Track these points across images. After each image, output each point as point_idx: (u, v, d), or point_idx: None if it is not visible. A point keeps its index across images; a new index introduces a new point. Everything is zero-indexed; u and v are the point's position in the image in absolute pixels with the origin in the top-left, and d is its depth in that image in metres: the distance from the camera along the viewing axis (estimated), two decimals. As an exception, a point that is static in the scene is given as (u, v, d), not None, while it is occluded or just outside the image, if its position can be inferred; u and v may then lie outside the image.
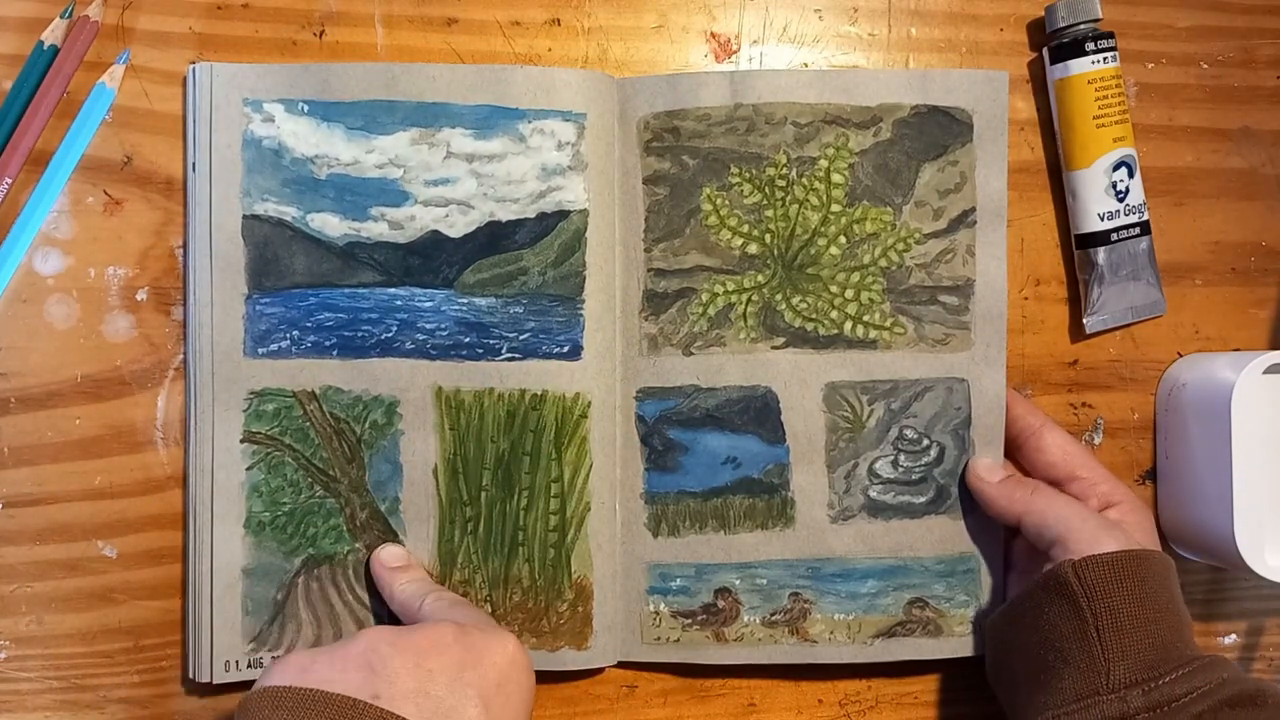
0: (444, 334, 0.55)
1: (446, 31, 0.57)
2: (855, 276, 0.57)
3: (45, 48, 0.53)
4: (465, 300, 0.55)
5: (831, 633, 0.58)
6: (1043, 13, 0.60)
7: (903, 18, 0.60)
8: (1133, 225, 0.59)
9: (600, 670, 0.58)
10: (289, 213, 0.54)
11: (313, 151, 0.54)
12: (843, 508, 0.58)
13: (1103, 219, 0.59)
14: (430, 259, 0.55)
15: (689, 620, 0.58)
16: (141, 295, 0.55)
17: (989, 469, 0.57)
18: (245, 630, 0.54)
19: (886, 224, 0.57)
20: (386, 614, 0.55)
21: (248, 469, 0.54)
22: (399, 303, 0.55)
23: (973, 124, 0.57)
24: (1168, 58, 0.62)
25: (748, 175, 0.57)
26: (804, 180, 0.57)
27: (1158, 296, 0.61)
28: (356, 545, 0.55)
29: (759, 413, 0.58)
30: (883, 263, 0.57)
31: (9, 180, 0.53)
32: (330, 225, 0.55)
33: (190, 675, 0.54)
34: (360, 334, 0.55)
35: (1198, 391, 0.59)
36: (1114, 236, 0.59)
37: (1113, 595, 0.50)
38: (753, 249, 0.57)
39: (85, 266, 0.55)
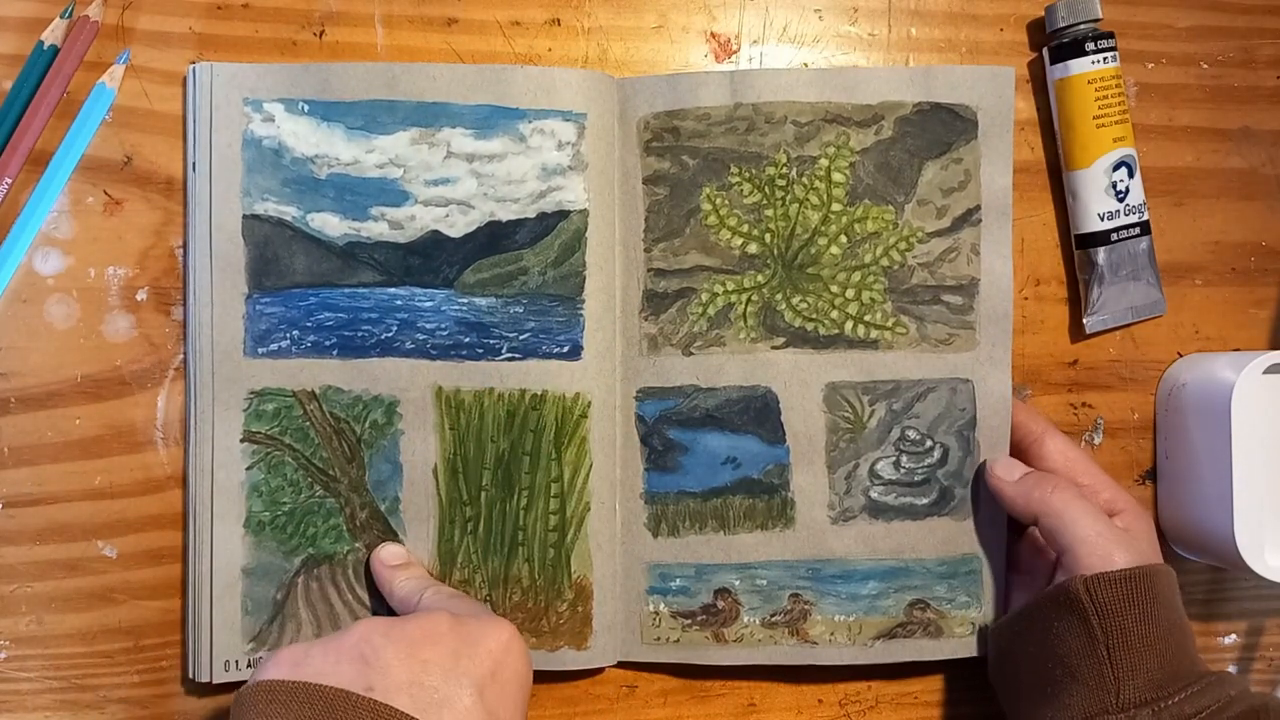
0: (444, 334, 0.55)
1: (446, 31, 0.57)
2: (856, 276, 0.57)
3: (45, 48, 0.53)
4: (465, 300, 0.55)
5: (832, 634, 0.58)
6: (1043, 13, 0.60)
7: (903, 18, 0.60)
8: (1133, 225, 0.59)
9: (600, 670, 0.58)
10: (289, 212, 0.54)
11: (313, 151, 0.54)
12: (843, 509, 0.58)
13: (1103, 219, 0.59)
14: (430, 259, 0.55)
15: (689, 620, 0.58)
16: (141, 295, 0.55)
17: (1007, 468, 0.57)
18: (245, 630, 0.54)
19: (888, 223, 0.57)
20: (386, 613, 0.55)
21: (248, 468, 0.54)
22: (399, 302, 0.55)
23: (977, 121, 0.57)
24: (1168, 58, 0.62)
25: (748, 175, 0.57)
26: (804, 179, 0.57)
27: (1158, 296, 0.61)
28: (356, 545, 0.55)
29: (759, 413, 0.58)
30: (884, 262, 0.57)
31: (9, 180, 0.53)
32: (330, 225, 0.55)
33: (190, 675, 0.54)
34: (360, 334, 0.55)
35: (1198, 391, 0.59)
36: (1114, 236, 0.59)
37: (1124, 614, 0.50)
38: (753, 249, 0.57)
39: (85, 266, 0.55)
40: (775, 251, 0.57)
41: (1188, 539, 0.61)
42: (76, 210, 0.54)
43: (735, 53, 0.59)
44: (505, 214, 0.55)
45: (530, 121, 0.55)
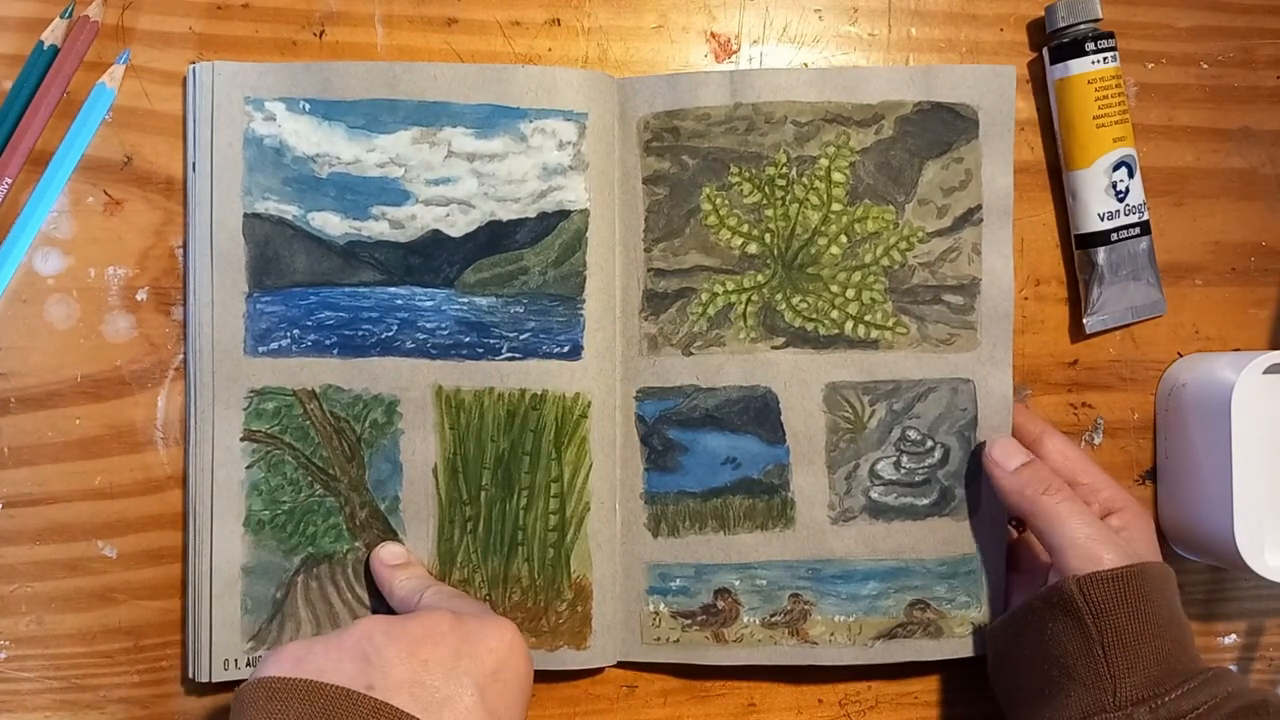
0: (444, 333, 0.55)
1: (446, 31, 0.57)
2: (856, 276, 0.57)
3: (45, 48, 0.53)
4: (466, 300, 0.55)
5: (832, 634, 0.58)
6: (1043, 13, 0.60)
7: (903, 18, 0.60)
8: (1133, 225, 0.59)
9: (600, 670, 0.58)
10: (290, 211, 0.54)
11: (314, 150, 0.54)
12: (843, 509, 0.58)
13: (1103, 219, 0.59)
14: (431, 258, 0.55)
15: (689, 621, 0.58)
16: (141, 295, 0.55)
17: (1005, 453, 0.56)
18: (245, 629, 0.54)
19: (888, 223, 0.57)
20: (386, 612, 0.55)
21: (248, 467, 0.54)
22: (399, 302, 0.55)
23: (978, 120, 0.57)
24: (1168, 58, 0.62)
25: (747, 175, 0.57)
26: (804, 179, 0.57)
27: (1158, 296, 0.61)
28: (356, 544, 0.55)
29: (759, 413, 0.57)
30: (884, 262, 0.57)
31: (9, 180, 0.53)
32: (331, 224, 0.55)
33: (190, 675, 0.54)
34: (361, 333, 0.55)
35: (1198, 391, 0.59)
36: (1114, 236, 0.59)
37: (1118, 612, 0.50)
38: (753, 249, 0.57)
39: (85, 266, 0.55)
40: (775, 251, 0.57)
41: (1188, 539, 0.61)
42: (76, 210, 0.54)
43: (735, 53, 0.59)
44: (506, 214, 0.55)
45: (531, 121, 0.55)
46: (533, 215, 0.55)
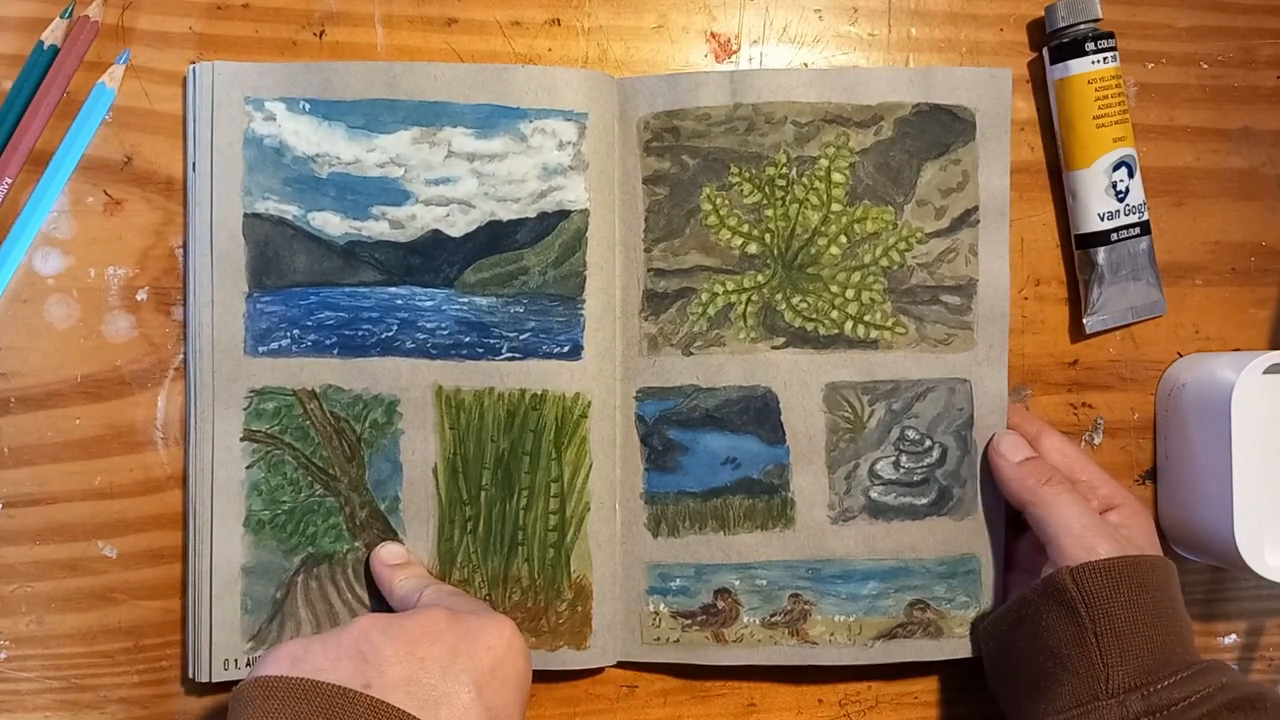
0: (444, 333, 0.55)
1: (446, 31, 0.57)
2: (856, 276, 0.57)
3: (45, 48, 0.53)
4: (466, 299, 0.55)
5: (832, 634, 0.58)
6: (1043, 13, 0.60)
7: (903, 18, 0.60)
8: (1133, 225, 0.59)
9: (600, 670, 0.58)
10: (290, 211, 0.54)
11: (314, 150, 0.54)
12: (843, 509, 0.58)
13: (1103, 219, 0.59)
14: (431, 258, 0.55)
15: (689, 621, 0.58)
16: (141, 295, 0.55)
17: (1012, 446, 0.57)
18: (244, 629, 0.54)
19: (887, 223, 0.57)
20: (386, 611, 0.55)
21: (248, 467, 0.54)
22: (399, 302, 0.55)
23: (975, 122, 0.57)
24: (1168, 58, 0.62)
25: (748, 175, 0.57)
26: (804, 180, 0.57)
27: (1158, 296, 0.61)
28: (356, 544, 0.55)
29: (759, 413, 0.58)
30: (884, 262, 0.57)
31: (9, 180, 0.53)
32: (331, 224, 0.55)
33: (190, 675, 0.54)
34: (361, 333, 0.55)
35: (1198, 391, 0.59)
36: (1114, 236, 0.59)
37: (1110, 601, 0.50)
38: (753, 249, 0.57)
39: (85, 266, 0.55)
40: (775, 251, 0.57)
41: (1188, 539, 0.61)
42: (76, 210, 0.54)
43: (735, 53, 0.59)
44: (506, 213, 0.55)
45: (531, 121, 0.55)
46: (533, 215, 0.55)
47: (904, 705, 0.61)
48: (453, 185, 0.55)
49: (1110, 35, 0.59)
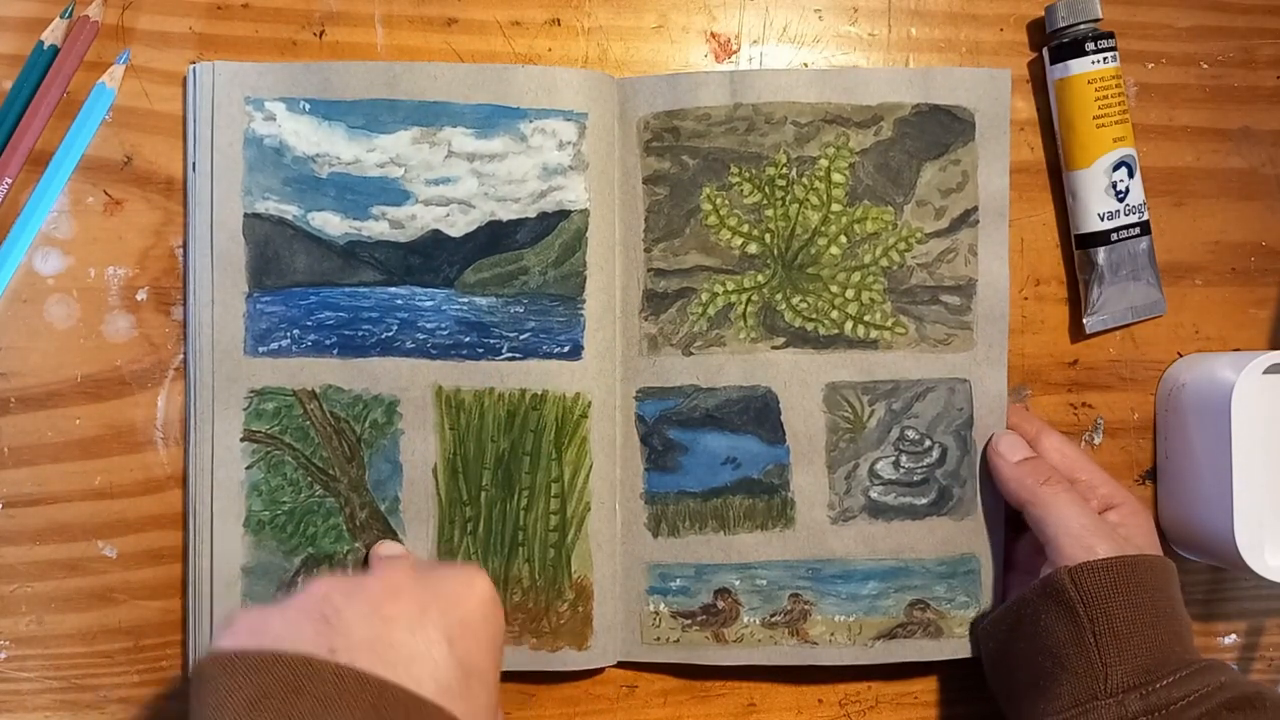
0: (444, 333, 0.55)
1: (446, 31, 0.57)
2: (856, 276, 0.57)
3: (45, 48, 0.53)
4: (466, 300, 0.55)
5: (832, 634, 0.58)
6: (1043, 13, 0.60)
7: (903, 18, 0.60)
8: (1133, 225, 0.59)
9: (600, 670, 0.58)
10: (290, 211, 0.54)
11: (314, 150, 0.54)
12: (843, 509, 0.58)
13: (1103, 219, 0.59)
14: (431, 258, 0.55)
15: (689, 620, 0.58)
16: (141, 295, 0.55)
17: (1011, 446, 0.57)
18: (245, 630, 0.54)
19: (887, 223, 0.57)
20: None
21: (247, 468, 0.54)
22: (399, 302, 0.55)
23: (975, 123, 0.57)
24: (1168, 58, 0.62)
25: (748, 175, 0.57)
26: (804, 180, 0.57)
27: (1158, 296, 0.61)
28: (356, 545, 0.55)
29: (759, 413, 0.58)
30: (884, 262, 0.57)
31: (9, 180, 0.53)
32: (331, 224, 0.55)
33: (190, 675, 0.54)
34: (361, 333, 0.55)
35: (1198, 391, 0.59)
36: (1114, 236, 0.59)
37: (1109, 601, 0.50)
38: (753, 249, 0.57)
39: (85, 266, 0.55)
40: (775, 251, 0.57)
41: (1188, 539, 0.61)
42: (76, 210, 0.54)
43: (735, 53, 0.59)
44: (506, 213, 0.55)
45: (531, 121, 0.55)
46: (533, 215, 0.55)
47: (904, 705, 0.61)
48: (453, 185, 0.55)
49: (1110, 35, 0.59)
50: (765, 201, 0.57)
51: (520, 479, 0.56)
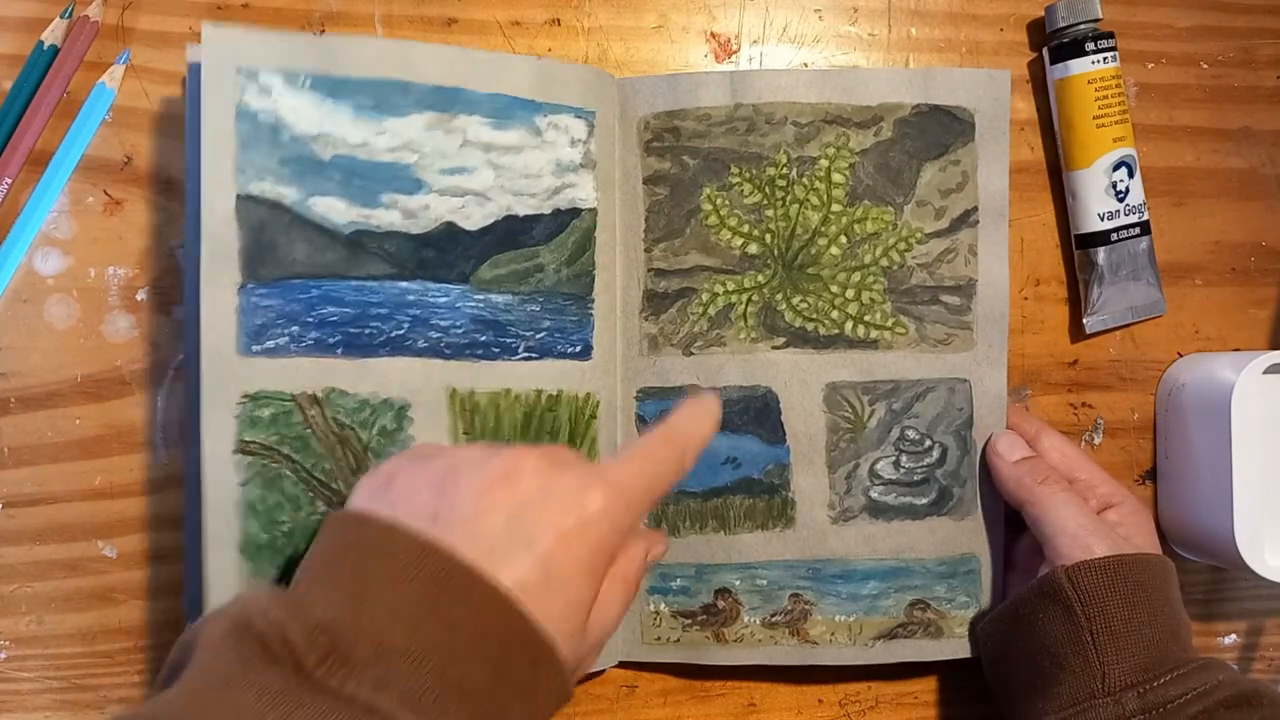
0: (459, 332, 0.52)
1: (446, 31, 0.57)
2: (856, 276, 0.57)
3: (45, 48, 0.53)
4: (481, 296, 0.52)
5: (832, 634, 0.58)
6: (1043, 13, 0.60)
7: (903, 18, 0.60)
8: (1133, 225, 0.59)
9: (601, 670, 0.58)
10: (287, 195, 0.49)
11: (315, 130, 0.49)
12: (843, 508, 0.58)
13: (1103, 219, 0.59)
14: (445, 252, 0.52)
15: (689, 620, 0.58)
16: (141, 295, 0.55)
17: (1009, 446, 0.57)
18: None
19: (887, 224, 0.57)
20: None
21: (242, 485, 0.48)
22: (411, 298, 0.51)
23: (974, 123, 0.57)
24: (1168, 58, 0.62)
25: (748, 175, 0.57)
26: (804, 180, 0.57)
27: (1158, 296, 0.61)
28: None
29: (759, 413, 0.58)
30: (884, 262, 0.57)
31: (9, 180, 0.53)
32: (335, 211, 0.50)
33: (190, 675, 0.54)
34: (369, 330, 0.51)
35: (1198, 391, 0.59)
36: (1114, 236, 0.59)
37: (1106, 600, 0.50)
38: (753, 249, 0.57)
39: (85, 266, 0.54)
40: (775, 252, 0.57)
41: (1188, 539, 0.61)
42: (76, 210, 0.54)
43: (735, 53, 0.59)
44: (522, 208, 0.53)
45: (546, 115, 0.53)
46: (547, 211, 0.54)
47: (904, 705, 0.61)
48: (468, 176, 0.52)
49: (1110, 35, 0.59)
50: (765, 202, 0.57)
51: None
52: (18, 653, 0.54)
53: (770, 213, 0.57)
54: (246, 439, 0.49)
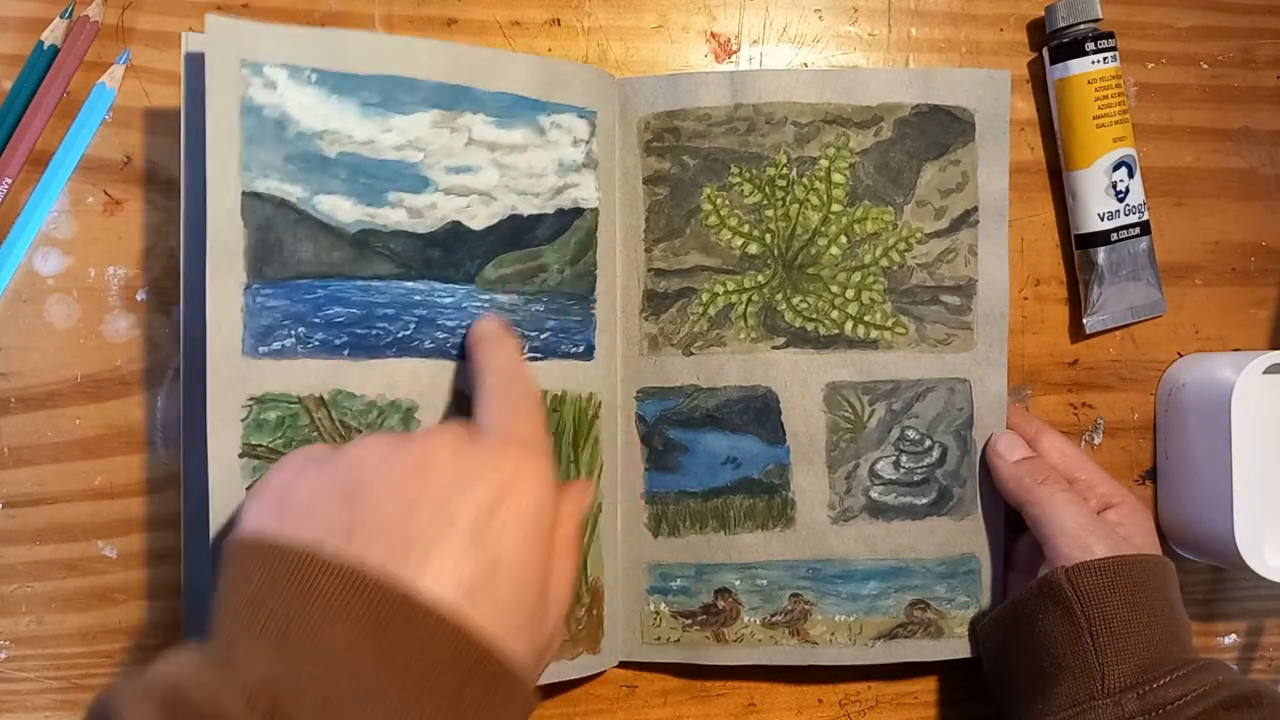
0: (465, 332, 0.51)
1: (446, 31, 0.57)
2: (856, 276, 0.57)
3: (45, 48, 0.53)
4: (487, 296, 0.52)
5: (832, 634, 0.58)
6: (1043, 13, 0.60)
7: (903, 18, 0.60)
8: (1133, 225, 0.59)
9: (601, 671, 0.58)
10: (294, 193, 0.48)
11: (321, 125, 0.48)
12: (843, 508, 0.58)
13: (1103, 219, 0.59)
14: (451, 251, 0.51)
15: (689, 620, 0.58)
16: (141, 295, 0.55)
17: (1009, 446, 0.57)
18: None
19: (887, 224, 0.57)
20: None
21: (248, 488, 0.47)
22: (418, 298, 0.50)
23: (974, 123, 0.57)
24: (1168, 58, 0.62)
25: (748, 175, 0.57)
26: (804, 180, 0.57)
27: (1158, 296, 0.61)
28: None
29: (759, 413, 0.58)
30: (884, 262, 0.57)
31: (9, 180, 0.53)
32: (341, 209, 0.49)
33: (190, 675, 0.54)
34: (375, 331, 0.49)
35: (1198, 391, 0.59)
36: (1114, 236, 0.59)
37: (1106, 601, 0.50)
38: (753, 249, 0.57)
39: (85, 266, 0.54)
40: (775, 252, 0.57)
41: (1188, 539, 0.61)
42: (76, 210, 0.54)
43: (735, 53, 0.59)
44: (527, 208, 0.52)
45: (549, 115, 0.53)
46: (551, 211, 0.53)
47: (904, 705, 0.61)
48: (474, 175, 0.51)
49: (1110, 35, 0.59)
50: (765, 202, 0.57)
51: None
52: (18, 653, 0.54)
53: (770, 213, 0.57)
54: (253, 443, 0.48)
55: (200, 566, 0.52)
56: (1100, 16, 0.58)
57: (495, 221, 0.52)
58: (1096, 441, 0.62)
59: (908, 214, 0.57)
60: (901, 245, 0.57)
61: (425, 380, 0.50)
